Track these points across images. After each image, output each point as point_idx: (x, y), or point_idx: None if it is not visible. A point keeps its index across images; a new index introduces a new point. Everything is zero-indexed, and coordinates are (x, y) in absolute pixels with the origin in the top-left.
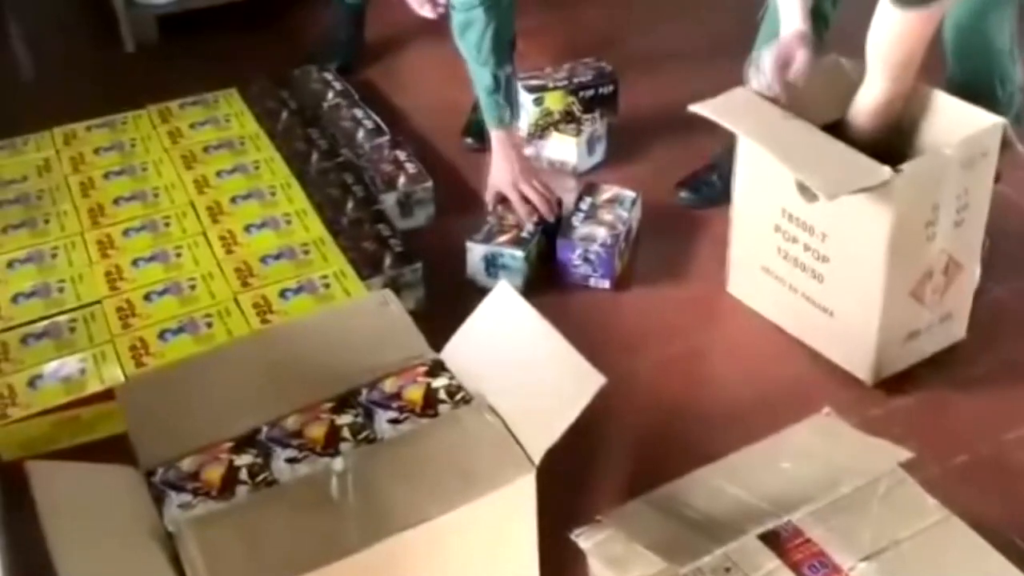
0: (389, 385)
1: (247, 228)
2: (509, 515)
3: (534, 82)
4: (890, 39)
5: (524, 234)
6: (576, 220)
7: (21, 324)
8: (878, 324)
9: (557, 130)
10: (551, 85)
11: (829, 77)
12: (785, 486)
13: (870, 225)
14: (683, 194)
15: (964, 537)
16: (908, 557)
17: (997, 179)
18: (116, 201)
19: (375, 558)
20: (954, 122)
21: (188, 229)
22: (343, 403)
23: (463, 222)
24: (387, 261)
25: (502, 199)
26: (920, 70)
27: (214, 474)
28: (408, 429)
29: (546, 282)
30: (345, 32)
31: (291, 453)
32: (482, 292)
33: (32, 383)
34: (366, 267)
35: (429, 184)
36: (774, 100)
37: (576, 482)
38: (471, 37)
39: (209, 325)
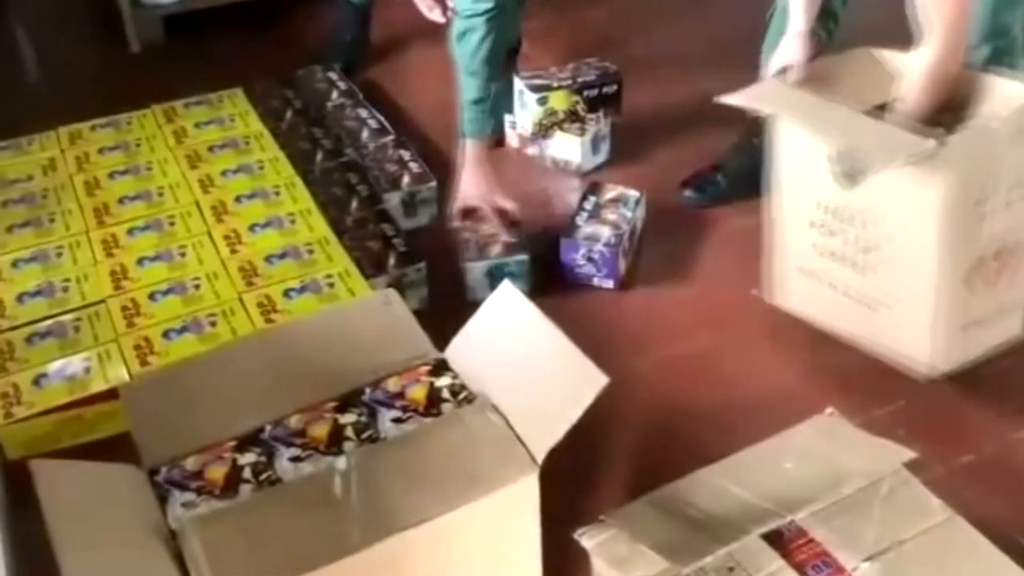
0: (392, 384)
1: (251, 227)
2: (512, 514)
3: (538, 81)
4: None
5: (513, 239)
6: (580, 220)
7: (26, 323)
8: (931, 312)
9: (561, 129)
10: (555, 85)
11: (862, 67)
12: (788, 486)
13: (917, 203)
14: (687, 193)
15: (968, 538)
16: (912, 557)
17: None
18: (121, 200)
19: (378, 557)
20: (1005, 99)
21: (193, 228)
22: (346, 402)
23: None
24: (391, 261)
25: (466, 213)
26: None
27: (218, 473)
28: (411, 428)
29: (550, 282)
30: (350, 32)
31: (294, 452)
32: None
33: (37, 382)
34: (370, 266)
35: (433, 184)
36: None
37: (579, 482)
38: (468, 45)
39: (213, 324)
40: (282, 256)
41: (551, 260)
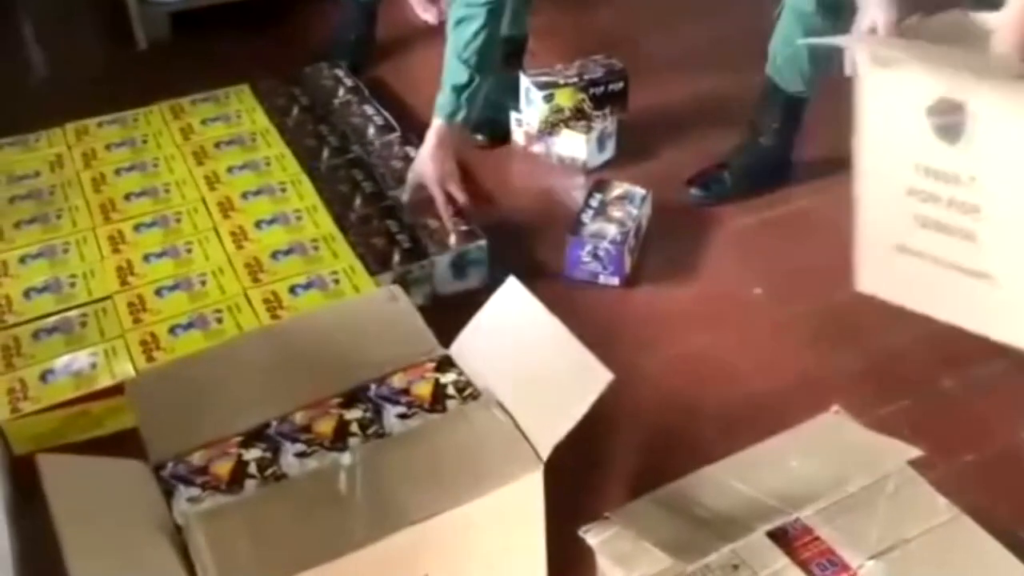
0: (398, 380)
1: (257, 224)
2: (517, 511)
3: (545, 79)
4: None
5: (464, 228)
6: (586, 217)
7: (33, 319)
8: None
9: (567, 127)
10: (562, 82)
11: (952, 29)
12: (793, 484)
13: None
14: (693, 191)
15: (974, 536)
16: (917, 556)
17: None
18: (127, 197)
19: (382, 553)
20: None
21: (199, 225)
22: (352, 398)
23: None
24: (396, 257)
25: (419, 189)
26: None
27: (223, 468)
28: (416, 424)
29: (555, 279)
30: (356, 30)
31: (300, 447)
32: (486, 291)
33: (43, 377)
34: (375, 263)
35: None
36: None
37: (584, 478)
38: (464, 32)
39: (219, 320)
40: (288, 252)
41: (557, 257)
